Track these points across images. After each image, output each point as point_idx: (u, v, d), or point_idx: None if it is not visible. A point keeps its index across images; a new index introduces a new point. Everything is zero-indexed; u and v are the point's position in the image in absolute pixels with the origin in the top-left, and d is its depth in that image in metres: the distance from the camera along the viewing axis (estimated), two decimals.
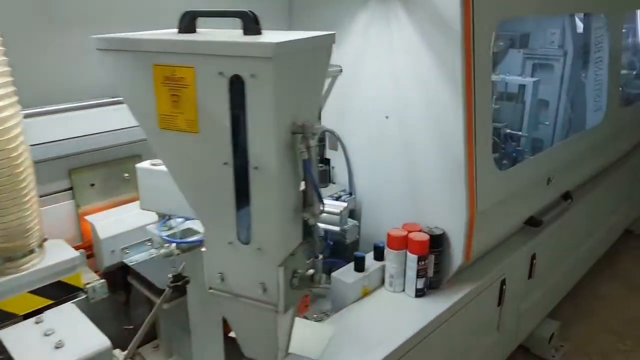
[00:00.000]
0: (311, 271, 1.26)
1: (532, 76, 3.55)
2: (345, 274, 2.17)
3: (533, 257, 2.77)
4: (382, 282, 2.24)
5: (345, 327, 1.97)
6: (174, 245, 1.37)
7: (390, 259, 2.18)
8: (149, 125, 1.17)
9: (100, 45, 1.16)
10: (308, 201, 1.21)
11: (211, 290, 1.26)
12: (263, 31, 1.19)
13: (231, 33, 1.19)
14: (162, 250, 1.37)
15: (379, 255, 2.24)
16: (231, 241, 1.19)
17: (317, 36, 1.22)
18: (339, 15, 2.35)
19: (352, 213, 2.50)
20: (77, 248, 1.80)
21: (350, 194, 2.47)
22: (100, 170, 1.82)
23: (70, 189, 1.83)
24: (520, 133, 3.19)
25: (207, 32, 1.23)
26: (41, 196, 1.78)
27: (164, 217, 1.48)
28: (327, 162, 2.60)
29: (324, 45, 1.26)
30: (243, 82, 1.05)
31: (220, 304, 1.29)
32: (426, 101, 2.12)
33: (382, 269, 2.22)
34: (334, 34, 1.28)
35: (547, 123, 3.36)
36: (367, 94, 2.34)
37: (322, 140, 2.56)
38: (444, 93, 2.04)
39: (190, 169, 1.18)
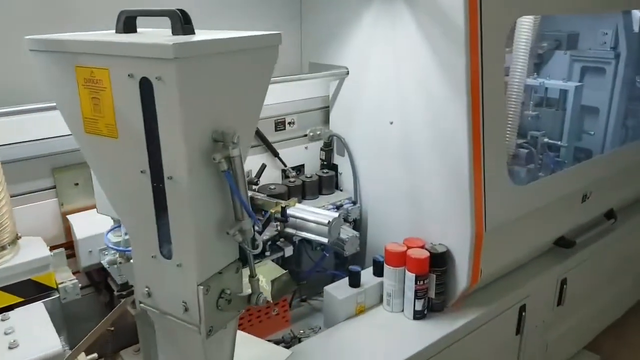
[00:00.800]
0: (248, 291, 1.15)
1: (580, 80, 3.23)
2: (339, 288, 2.03)
3: (563, 282, 2.49)
4: (381, 299, 2.09)
5: (329, 345, 1.84)
6: (118, 253, 1.31)
7: (388, 276, 2.02)
8: (76, 129, 1.11)
9: (31, 46, 1.11)
10: (237, 216, 1.10)
11: (141, 305, 1.18)
12: (199, 31, 1.10)
13: (162, 33, 1.11)
14: (107, 258, 1.31)
15: (379, 270, 2.09)
16: (154, 255, 1.11)
17: (251, 36, 1.10)
18: (345, 14, 2.21)
19: (357, 222, 2.36)
20: (59, 247, 1.80)
21: (355, 202, 2.33)
22: (84, 170, 1.80)
23: (54, 187, 1.83)
24: (559, 143, 2.89)
25: (141, 34, 1.14)
26: (24, 194, 1.80)
27: (117, 223, 1.43)
28: (334, 168, 2.47)
29: (265, 46, 1.14)
30: (152, 85, 0.96)
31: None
32: (429, 108, 1.94)
33: (381, 286, 2.07)
34: (279, 34, 1.16)
35: (592, 133, 3.03)
36: (372, 97, 2.19)
37: (329, 145, 2.44)
38: (447, 100, 1.85)
39: (112, 175, 1.11)
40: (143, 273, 1.15)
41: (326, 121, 2.46)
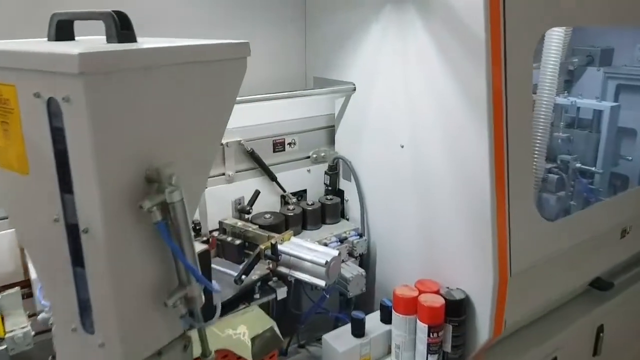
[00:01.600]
0: None
1: (615, 100, 2.94)
2: (340, 338, 1.76)
3: (600, 329, 2.17)
4: (389, 350, 1.81)
5: None
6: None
7: (397, 325, 1.74)
8: None
9: None
10: (180, 281, 0.85)
11: None
12: (145, 39, 0.86)
13: (96, 41, 0.88)
14: (42, 315, 1.07)
15: (386, 316, 1.81)
16: (74, 327, 0.86)
17: (205, 46, 0.86)
18: (352, 24, 1.97)
19: (364, 258, 2.09)
20: (14, 285, 1.57)
21: (361, 235, 2.06)
22: None
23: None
24: (593, 169, 2.59)
25: (73, 42, 0.91)
26: None
27: None
28: (340, 194, 2.21)
29: (227, 59, 0.90)
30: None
31: None
32: (444, 130, 1.68)
33: (389, 335, 1.79)
34: (246, 43, 0.92)
35: (630, 158, 2.72)
36: (381, 116, 1.94)
37: (334, 168, 2.18)
38: (466, 122, 1.59)
39: (23, 221, 0.87)
40: (63, 349, 0.91)
41: (331, 142, 2.22)
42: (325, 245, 1.93)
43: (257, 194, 1.91)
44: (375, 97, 1.95)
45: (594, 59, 2.99)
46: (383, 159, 1.96)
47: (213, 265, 1.66)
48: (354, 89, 2.03)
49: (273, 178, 2.04)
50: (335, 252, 1.64)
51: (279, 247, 1.68)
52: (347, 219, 2.20)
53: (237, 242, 1.77)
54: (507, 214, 1.62)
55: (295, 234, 2.03)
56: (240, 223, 1.83)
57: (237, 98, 1.84)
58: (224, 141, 1.90)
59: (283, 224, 1.97)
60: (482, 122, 1.53)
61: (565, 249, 1.86)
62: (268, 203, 2.06)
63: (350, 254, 2.01)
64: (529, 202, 1.71)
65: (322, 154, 2.21)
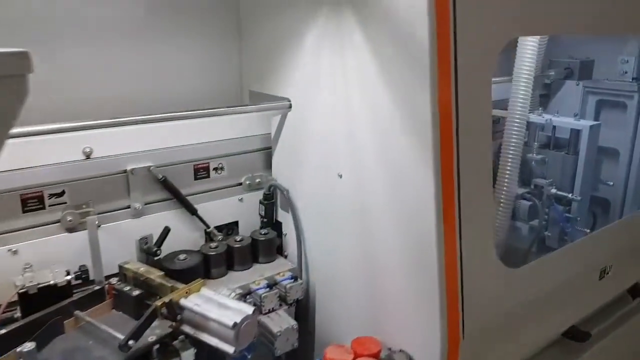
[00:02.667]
0: None
1: (596, 117, 2.68)
2: None
3: None
4: None
5: None
6: None
7: None
8: None
9: None
10: None
11: None
12: None
13: None
14: None
15: None
16: None
17: None
18: (285, 30, 1.68)
19: (302, 304, 1.78)
20: None
21: (296, 278, 1.76)
22: None
23: None
24: (570, 195, 2.31)
25: None
26: None
27: None
28: (278, 226, 1.91)
29: None
30: None
31: None
32: (387, 160, 1.39)
33: None
34: (23, 53, 0.62)
35: (611, 183, 2.45)
36: (318, 139, 1.65)
37: (270, 197, 1.88)
38: (410, 150, 1.30)
39: None
40: None
41: (268, 166, 1.91)
42: (248, 293, 1.63)
43: (166, 231, 1.61)
44: (312, 116, 1.65)
45: (573, 71, 2.72)
46: (322, 189, 1.66)
47: (98, 324, 1.35)
48: (290, 106, 1.73)
49: (192, 211, 1.73)
50: (250, 310, 1.34)
51: (183, 301, 1.37)
52: (285, 256, 1.90)
53: (136, 292, 1.45)
54: (459, 258, 1.33)
55: (218, 277, 1.74)
56: (142, 268, 1.51)
57: (145, 117, 1.58)
58: (128, 167, 1.59)
59: (201, 266, 1.66)
60: (426, 147, 1.24)
61: (533, 299, 1.57)
62: (190, 240, 1.76)
63: (284, 300, 1.70)
64: (487, 245, 1.42)
65: (257, 180, 1.90)
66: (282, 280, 1.73)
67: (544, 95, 2.85)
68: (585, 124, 2.28)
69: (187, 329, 1.37)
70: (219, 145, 1.79)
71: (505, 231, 2.39)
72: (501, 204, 2.34)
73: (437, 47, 1.20)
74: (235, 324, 1.28)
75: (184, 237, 1.74)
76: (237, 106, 1.77)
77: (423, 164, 1.26)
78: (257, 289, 1.67)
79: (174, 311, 1.33)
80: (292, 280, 1.73)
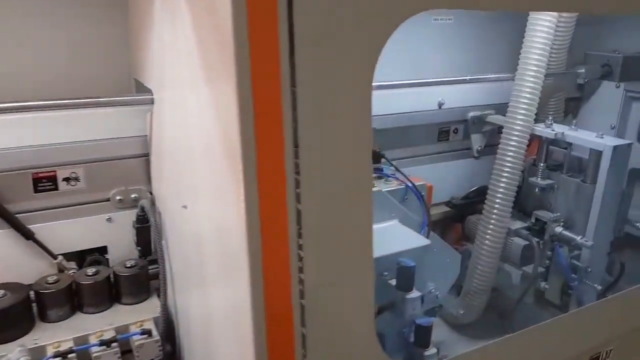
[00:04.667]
0: None
1: None
2: None
3: None
4: None
5: None
6: None
7: None
8: None
9: None
10: None
11: None
12: None
13: None
14: None
15: None
16: None
17: None
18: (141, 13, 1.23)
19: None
20: None
21: (149, 332, 1.31)
22: None
23: None
24: (580, 239, 1.69)
25: None
26: None
27: None
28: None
29: None
30: None
31: None
32: (213, 187, 0.91)
33: None
34: None
35: None
36: (172, 149, 1.19)
37: (145, 219, 1.45)
38: (227, 174, 0.81)
39: None
40: None
41: (149, 177, 1.48)
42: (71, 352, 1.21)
43: None
44: (169, 118, 1.20)
45: (612, 69, 2.06)
46: (173, 220, 1.21)
47: None
48: (152, 101, 1.28)
49: (27, 235, 1.34)
50: None
51: None
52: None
53: None
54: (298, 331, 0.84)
55: (57, 320, 1.34)
56: None
57: None
58: None
59: (27, 307, 1.27)
60: (236, 168, 0.75)
61: None
62: (32, 272, 1.36)
63: None
64: (354, 322, 0.90)
65: (134, 196, 1.48)
66: (133, 335, 1.30)
67: (574, 100, 2.20)
68: (607, 142, 1.63)
69: None
70: (72, 149, 1.37)
71: (491, 277, 1.82)
72: (487, 240, 1.77)
73: (247, 24, 0.70)
74: None
75: (22, 267, 1.35)
76: (82, 99, 1.33)
77: (234, 196, 0.77)
78: (90, 346, 1.25)
79: None
80: (143, 335, 1.30)
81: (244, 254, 0.77)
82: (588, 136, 1.71)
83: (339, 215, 0.83)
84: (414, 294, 1.30)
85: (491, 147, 1.94)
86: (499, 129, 1.83)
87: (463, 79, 1.89)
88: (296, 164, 0.76)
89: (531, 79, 1.75)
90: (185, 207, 1.09)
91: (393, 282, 1.33)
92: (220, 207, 0.86)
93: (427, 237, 1.54)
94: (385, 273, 1.34)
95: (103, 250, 1.48)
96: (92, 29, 1.52)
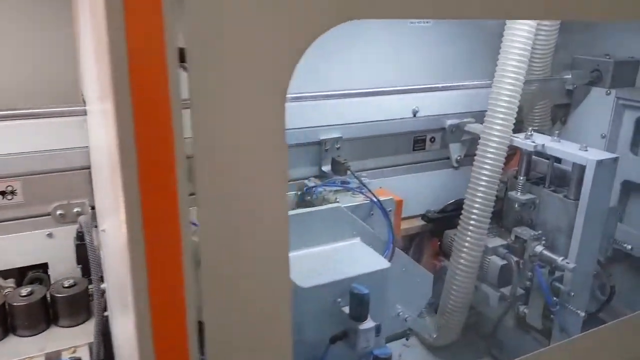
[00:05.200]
0: None
1: (635, 140, 1.87)
2: None
3: None
4: None
5: None
6: None
7: None
8: None
9: None
10: None
11: None
12: None
13: None
14: None
15: None
16: None
17: None
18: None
19: None
20: None
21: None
22: None
23: None
24: (561, 260, 1.56)
25: None
26: None
27: None
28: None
29: None
30: None
31: None
32: (110, 210, 0.82)
33: None
34: None
35: (629, 247, 1.66)
36: (97, 169, 1.10)
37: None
38: (112, 203, 0.72)
39: None
40: None
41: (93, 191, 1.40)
42: None
43: None
44: (93, 131, 1.11)
45: (602, 75, 1.93)
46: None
47: None
48: (85, 112, 1.20)
49: None
50: None
51: None
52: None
53: None
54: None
55: None
56: None
57: None
58: None
59: None
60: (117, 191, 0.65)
61: None
62: None
63: None
64: None
65: (76, 210, 1.39)
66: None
67: (562, 107, 2.07)
68: (590, 156, 1.51)
69: None
70: (7, 161, 1.29)
71: (467, 297, 1.70)
72: (462, 259, 1.66)
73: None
74: None
75: None
76: (19, 109, 1.25)
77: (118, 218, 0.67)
78: None
79: None
80: None
81: (129, 283, 0.67)
82: (571, 149, 1.59)
83: (242, 245, 0.73)
84: (368, 323, 1.19)
85: (471, 157, 1.83)
86: (479, 138, 1.72)
87: (437, 87, 1.78)
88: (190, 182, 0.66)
89: (509, 87, 1.64)
90: (104, 230, 1.00)
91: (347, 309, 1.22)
92: (112, 230, 0.77)
93: (392, 256, 1.43)
94: (339, 299, 1.24)
95: (45, 266, 1.40)
96: (37, 34, 1.44)
